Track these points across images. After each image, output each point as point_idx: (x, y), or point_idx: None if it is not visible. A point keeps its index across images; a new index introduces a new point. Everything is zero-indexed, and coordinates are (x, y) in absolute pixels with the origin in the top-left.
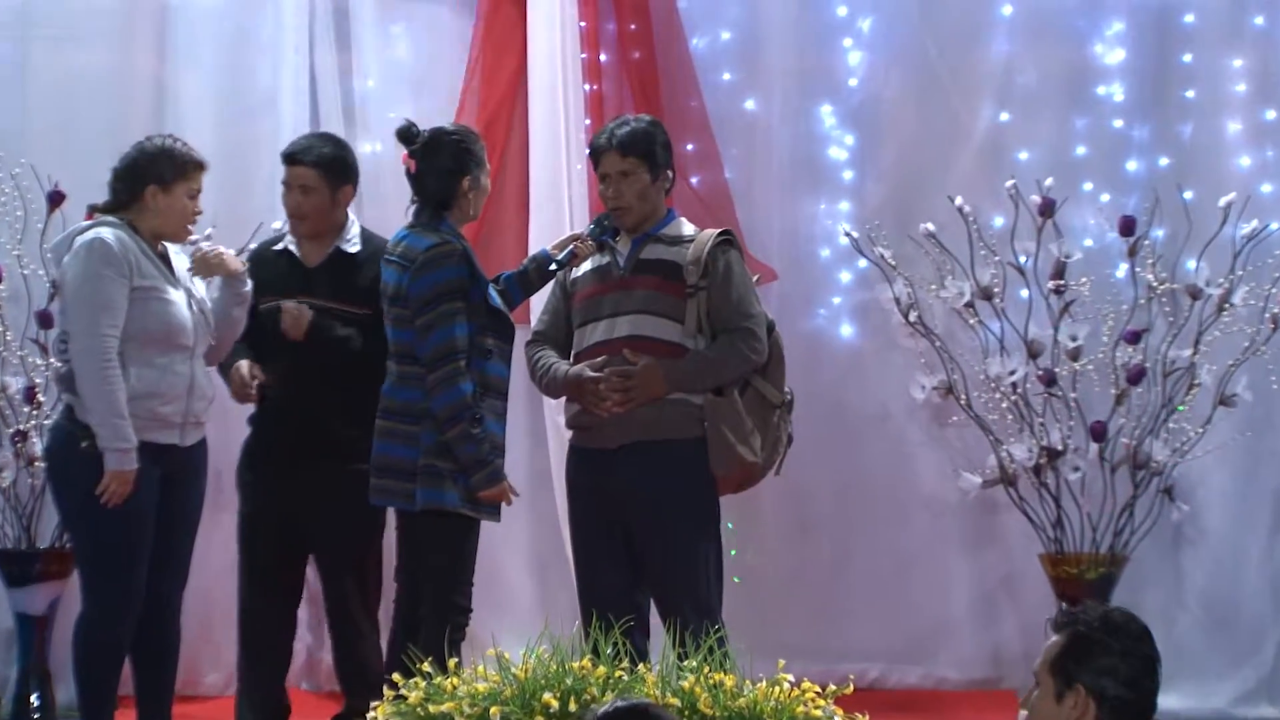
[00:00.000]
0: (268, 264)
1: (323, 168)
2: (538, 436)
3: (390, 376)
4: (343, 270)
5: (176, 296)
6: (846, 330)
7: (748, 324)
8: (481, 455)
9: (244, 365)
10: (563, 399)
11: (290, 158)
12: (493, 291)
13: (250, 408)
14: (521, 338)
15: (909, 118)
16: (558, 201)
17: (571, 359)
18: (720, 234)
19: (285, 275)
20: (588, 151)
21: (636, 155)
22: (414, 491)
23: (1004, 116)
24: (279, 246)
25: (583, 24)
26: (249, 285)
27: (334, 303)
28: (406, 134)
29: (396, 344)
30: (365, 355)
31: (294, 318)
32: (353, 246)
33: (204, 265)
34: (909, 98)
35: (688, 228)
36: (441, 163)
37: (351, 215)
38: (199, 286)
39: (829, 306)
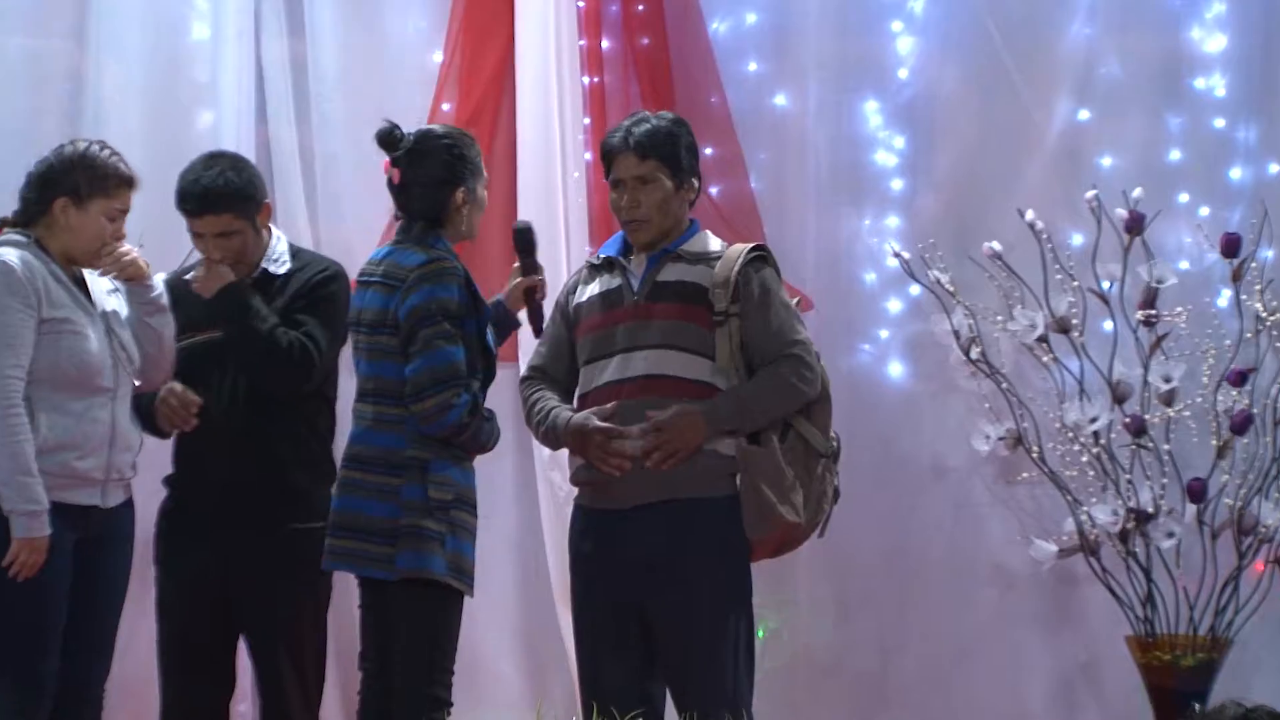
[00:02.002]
0: (183, 297)
1: (237, 206)
2: (527, 492)
3: (361, 420)
4: (267, 294)
5: (94, 329)
6: (896, 369)
7: (795, 350)
8: (496, 429)
9: (177, 385)
10: (564, 450)
11: (195, 207)
12: (490, 331)
13: (164, 465)
14: (509, 378)
15: (970, 116)
16: (551, 216)
17: (576, 402)
18: (752, 249)
19: (204, 308)
20: (588, 156)
21: (658, 158)
22: (392, 556)
23: (1083, 115)
24: (194, 275)
25: (581, 4)
26: (158, 289)
27: None
28: (388, 138)
29: (374, 381)
30: (307, 394)
31: (180, 413)
32: (280, 266)
33: (112, 263)
34: (970, 92)
35: (714, 242)
36: (430, 172)
37: (276, 231)
38: (115, 305)
39: (875, 341)
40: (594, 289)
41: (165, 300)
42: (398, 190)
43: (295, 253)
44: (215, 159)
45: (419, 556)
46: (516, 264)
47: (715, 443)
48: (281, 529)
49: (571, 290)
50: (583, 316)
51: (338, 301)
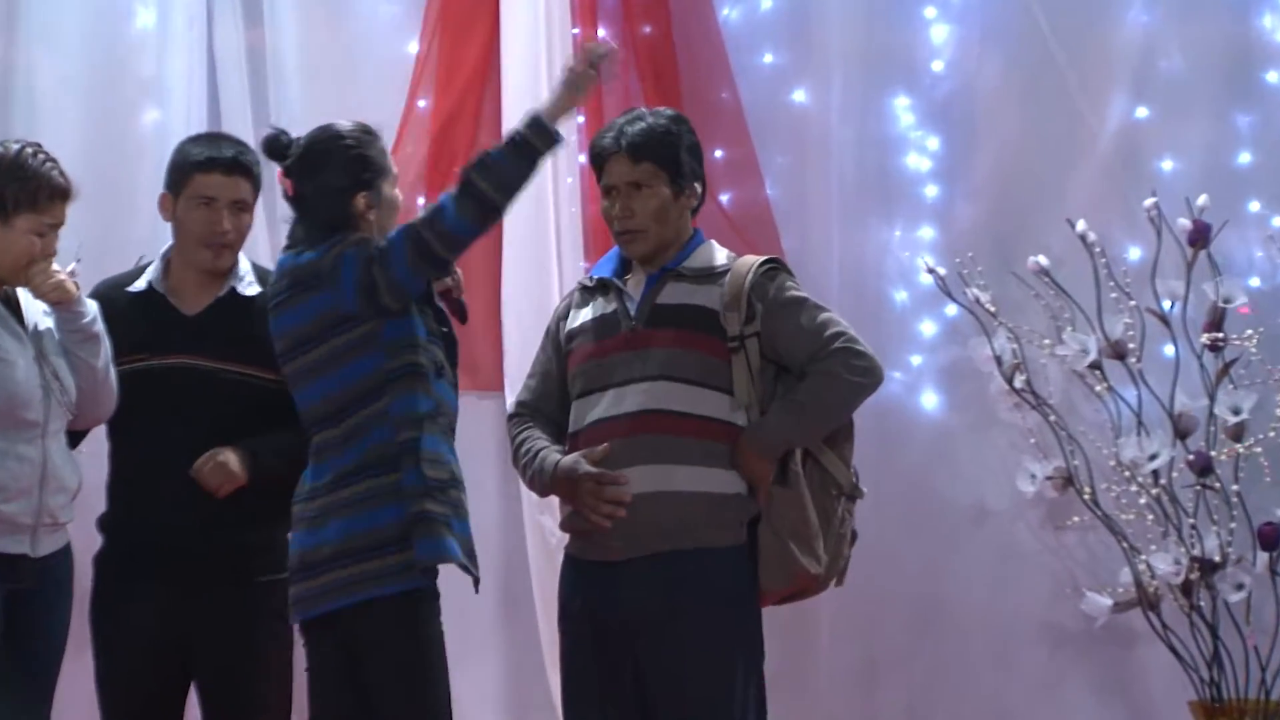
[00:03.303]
0: (125, 312)
1: (257, 180)
2: (512, 536)
3: (326, 449)
4: (239, 320)
5: (21, 356)
6: (930, 400)
7: (840, 343)
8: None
9: (230, 455)
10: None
11: (230, 163)
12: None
13: (97, 504)
14: (492, 409)
15: (1013, 114)
16: (541, 228)
17: (566, 442)
18: (764, 262)
19: (156, 327)
20: (582, 159)
21: (654, 161)
22: (409, 560)
23: (1141, 113)
24: (137, 286)
25: None
26: (89, 314)
27: (233, 365)
28: (274, 145)
29: (336, 397)
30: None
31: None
32: (249, 287)
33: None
34: (1013, 87)
35: (720, 254)
36: (327, 178)
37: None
38: (51, 325)
39: (906, 368)
40: (587, 314)
41: (98, 327)
42: (293, 203)
43: (261, 275)
44: (229, 136)
45: (435, 544)
46: None
47: (718, 480)
48: (248, 581)
49: (563, 315)
50: (575, 345)
51: None
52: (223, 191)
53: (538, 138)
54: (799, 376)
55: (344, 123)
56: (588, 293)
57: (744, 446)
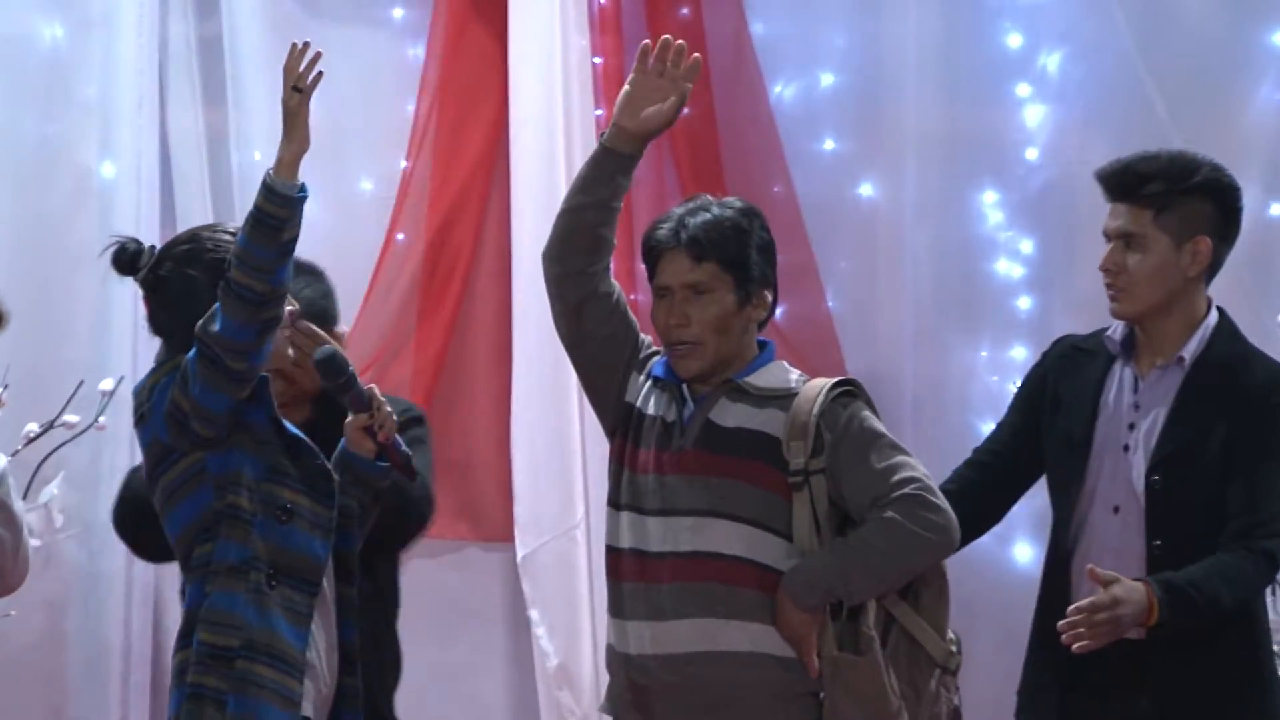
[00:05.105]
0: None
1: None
2: (524, 714)
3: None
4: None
5: None
6: (1024, 552)
7: (910, 489)
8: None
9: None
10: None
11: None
12: (289, 425)
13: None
14: (502, 565)
15: None
16: (558, 341)
17: (606, 556)
18: (837, 384)
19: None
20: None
21: (719, 261)
22: None
23: (1276, 209)
24: None
25: (597, 60)
26: None
27: None
28: (121, 257)
29: (174, 547)
30: None
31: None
32: None
33: None
34: None
35: (792, 375)
36: (177, 296)
37: None
38: None
39: None
40: (652, 406)
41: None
42: (153, 328)
43: None
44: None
45: None
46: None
47: (770, 641)
48: None
49: (643, 368)
50: (643, 430)
51: (427, 444)
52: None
53: (267, 202)
54: (859, 524)
55: (204, 229)
56: (655, 382)
57: (779, 594)
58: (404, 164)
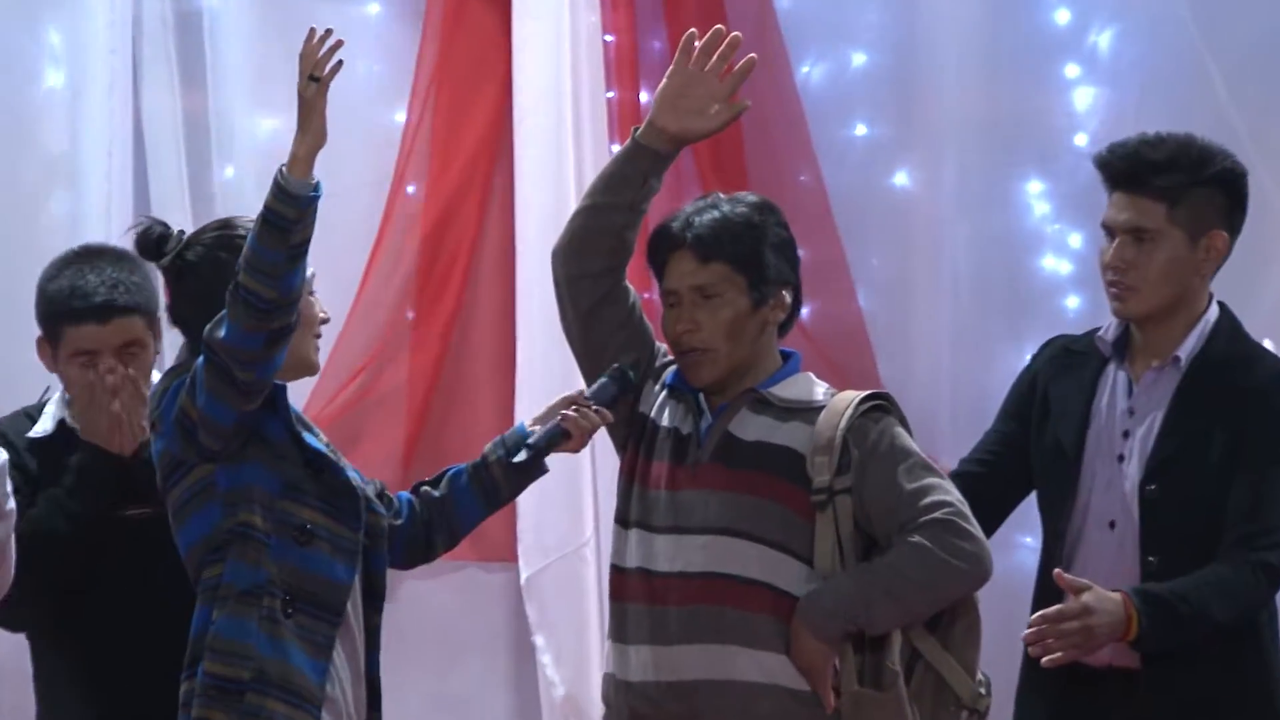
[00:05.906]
0: (43, 459)
1: (149, 311)
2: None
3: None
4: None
5: None
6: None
7: (941, 513)
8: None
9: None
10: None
11: (101, 309)
12: (311, 439)
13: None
14: (504, 586)
15: None
16: (564, 351)
17: (610, 570)
18: (867, 398)
19: (99, 472)
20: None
21: (728, 261)
22: None
23: None
24: (42, 430)
25: (609, 37)
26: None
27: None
28: (146, 240)
29: (185, 564)
30: None
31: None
32: None
33: None
34: None
35: (819, 389)
36: (205, 283)
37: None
38: None
39: (1040, 534)
40: (667, 418)
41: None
42: (173, 320)
43: None
44: (91, 253)
45: None
46: (592, 387)
47: (783, 671)
48: None
49: (658, 377)
50: (656, 443)
51: None
52: (102, 341)
53: (277, 201)
54: (885, 548)
55: (229, 223)
56: (670, 392)
57: (795, 620)
58: (400, 140)
